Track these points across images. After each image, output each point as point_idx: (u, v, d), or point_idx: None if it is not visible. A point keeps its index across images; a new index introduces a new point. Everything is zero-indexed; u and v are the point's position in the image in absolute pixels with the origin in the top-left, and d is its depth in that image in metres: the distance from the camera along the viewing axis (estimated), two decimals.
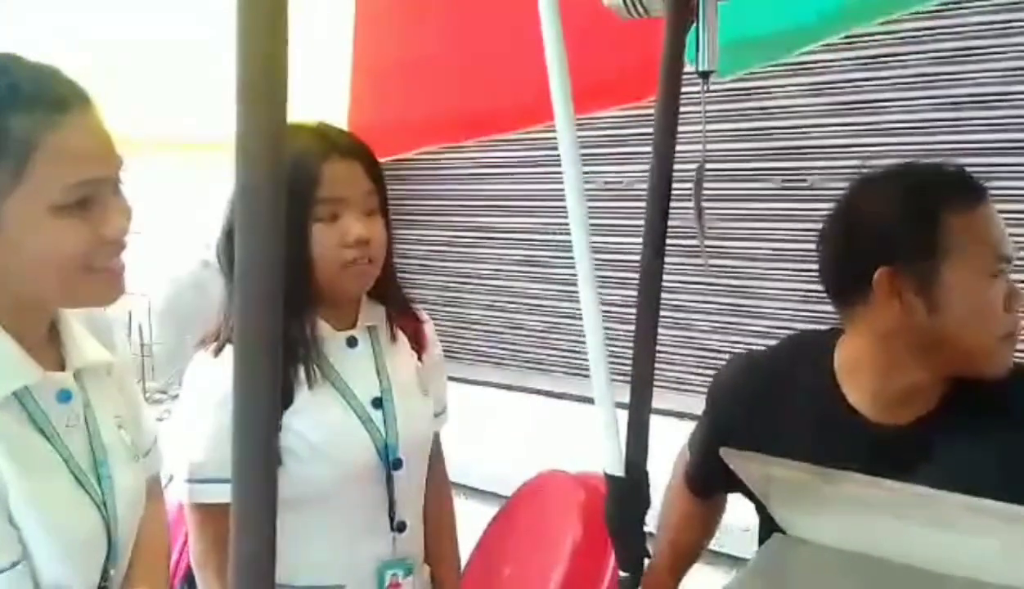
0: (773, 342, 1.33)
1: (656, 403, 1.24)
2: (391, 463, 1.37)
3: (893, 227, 1.10)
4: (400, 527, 1.40)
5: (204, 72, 1.54)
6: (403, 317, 1.48)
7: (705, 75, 1.20)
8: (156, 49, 1.54)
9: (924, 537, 0.69)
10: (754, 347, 1.24)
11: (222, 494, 1.25)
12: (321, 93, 1.70)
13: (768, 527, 1.12)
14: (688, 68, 1.23)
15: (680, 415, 3.62)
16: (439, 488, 1.57)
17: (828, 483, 0.72)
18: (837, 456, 0.98)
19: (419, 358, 1.49)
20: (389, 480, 1.37)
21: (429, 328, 1.53)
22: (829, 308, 1.20)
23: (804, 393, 1.19)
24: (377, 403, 1.38)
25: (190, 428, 1.34)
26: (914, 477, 0.73)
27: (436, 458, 1.57)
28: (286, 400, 1.30)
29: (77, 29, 1.28)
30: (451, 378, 1.63)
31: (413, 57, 1.73)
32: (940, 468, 0.92)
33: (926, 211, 1.08)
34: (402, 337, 1.47)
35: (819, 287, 1.21)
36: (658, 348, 1.23)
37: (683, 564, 1.43)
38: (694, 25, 1.19)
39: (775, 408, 1.22)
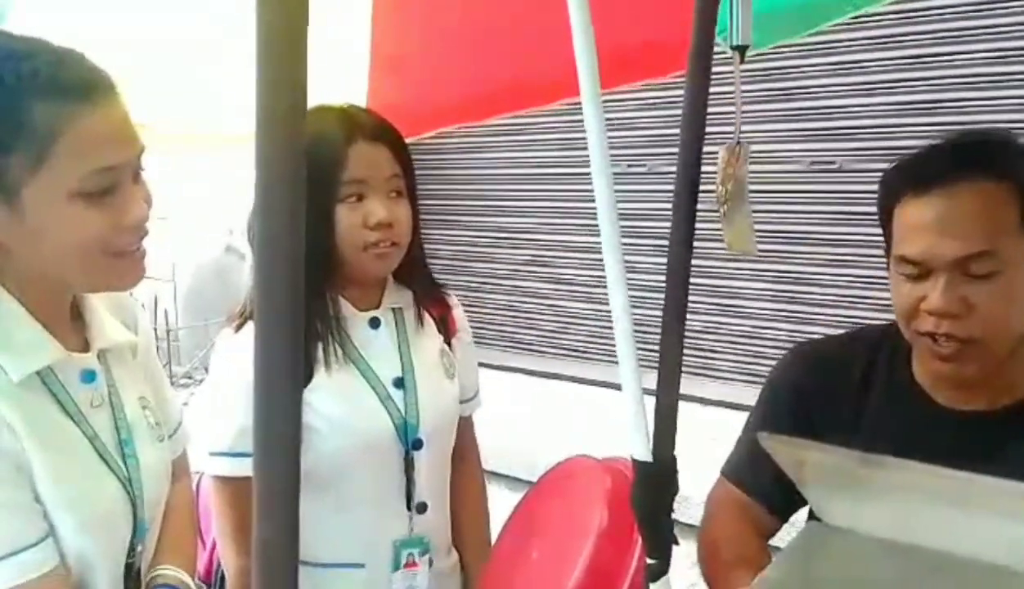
0: (810, 327, 1.30)
1: (684, 389, 1.22)
2: (411, 443, 1.37)
3: None
4: (420, 508, 1.40)
5: (209, 70, 1.54)
6: (431, 301, 1.47)
7: (741, 49, 1.16)
8: (157, 49, 1.54)
9: (971, 525, 0.67)
10: (793, 333, 1.21)
11: (238, 468, 1.26)
12: (340, 74, 1.69)
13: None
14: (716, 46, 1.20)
15: (706, 401, 3.59)
16: (471, 476, 1.56)
17: (867, 468, 0.69)
18: (921, 446, 0.93)
19: (448, 343, 1.48)
20: (408, 460, 1.37)
21: (458, 313, 1.52)
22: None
23: (881, 382, 1.18)
24: (398, 383, 1.38)
25: (210, 403, 1.36)
26: (995, 465, 0.69)
27: (468, 445, 1.56)
28: (306, 377, 1.30)
29: (77, 29, 1.29)
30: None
31: (433, 34, 1.70)
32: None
33: None
34: (429, 321, 1.46)
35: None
36: (689, 333, 1.21)
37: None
38: None
39: (845, 401, 1.20)
